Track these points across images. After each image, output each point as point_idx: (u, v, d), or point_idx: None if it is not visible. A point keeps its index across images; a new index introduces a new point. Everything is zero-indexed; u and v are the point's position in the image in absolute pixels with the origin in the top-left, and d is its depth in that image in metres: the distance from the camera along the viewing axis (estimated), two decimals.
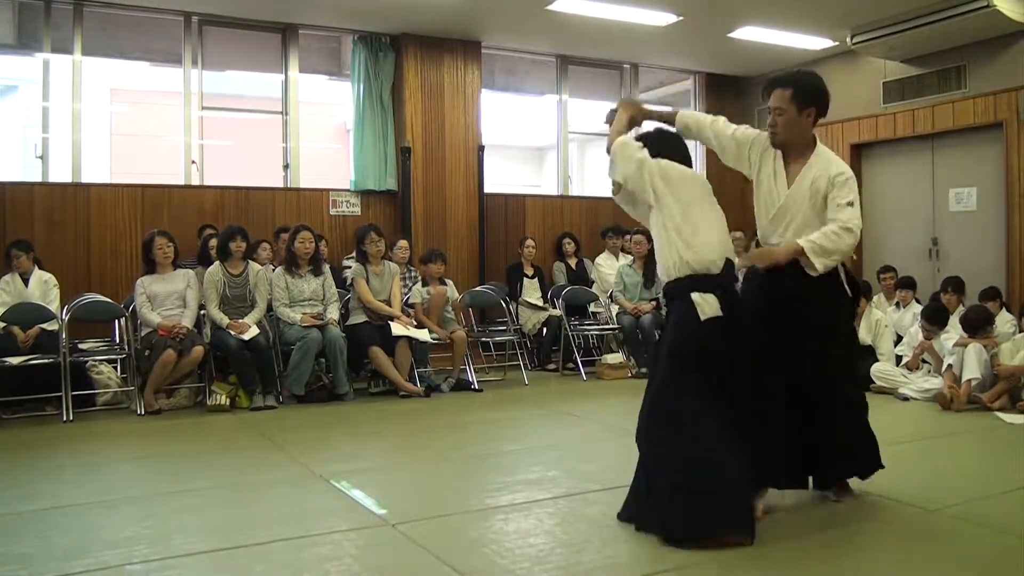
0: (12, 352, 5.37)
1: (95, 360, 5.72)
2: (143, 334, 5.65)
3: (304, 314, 5.87)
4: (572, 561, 2.67)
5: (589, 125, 10.33)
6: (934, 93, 7.89)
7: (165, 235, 5.84)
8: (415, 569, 2.64)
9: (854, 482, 3.32)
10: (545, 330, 7.58)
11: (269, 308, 5.97)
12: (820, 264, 2.99)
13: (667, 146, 3.17)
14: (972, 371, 5.39)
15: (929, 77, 7.93)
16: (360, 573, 2.59)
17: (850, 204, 3.02)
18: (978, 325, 5.62)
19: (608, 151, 3.20)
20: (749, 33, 7.87)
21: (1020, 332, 5.84)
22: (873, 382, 6.06)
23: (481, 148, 8.13)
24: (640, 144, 3.13)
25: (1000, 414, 5.17)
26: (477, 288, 7.33)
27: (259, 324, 5.81)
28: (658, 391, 2.95)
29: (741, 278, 3.29)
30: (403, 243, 6.90)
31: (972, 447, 4.56)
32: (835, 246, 2.99)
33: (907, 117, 8.14)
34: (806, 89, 3.10)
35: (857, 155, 8.73)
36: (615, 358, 7.08)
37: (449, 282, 6.67)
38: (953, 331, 5.85)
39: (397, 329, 5.98)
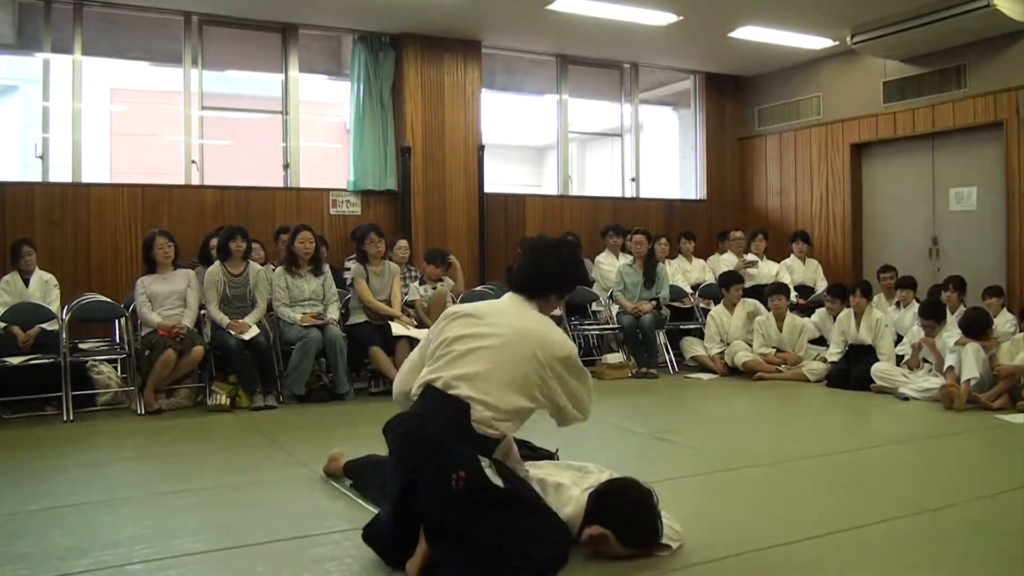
0: (12, 352, 5.37)
1: (95, 360, 5.72)
2: (143, 334, 5.64)
3: (304, 314, 5.87)
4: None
5: (589, 125, 10.35)
6: (934, 93, 7.89)
7: (165, 235, 5.84)
8: None
9: None
10: None
11: (269, 308, 5.97)
12: None
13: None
14: (970, 371, 5.40)
15: (929, 77, 7.92)
16: (360, 573, 2.59)
17: None
18: (975, 328, 5.61)
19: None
20: (749, 33, 7.87)
21: (1020, 332, 5.84)
22: (874, 382, 6.07)
23: (481, 148, 8.13)
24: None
25: (1000, 414, 5.17)
26: (477, 288, 7.32)
27: (259, 324, 5.81)
28: None
29: None
30: (403, 243, 6.89)
31: (972, 447, 4.55)
32: None
33: (907, 117, 8.14)
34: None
35: (857, 155, 8.73)
36: (615, 358, 7.07)
37: (446, 279, 6.68)
38: (954, 330, 5.85)
39: (397, 329, 5.98)
